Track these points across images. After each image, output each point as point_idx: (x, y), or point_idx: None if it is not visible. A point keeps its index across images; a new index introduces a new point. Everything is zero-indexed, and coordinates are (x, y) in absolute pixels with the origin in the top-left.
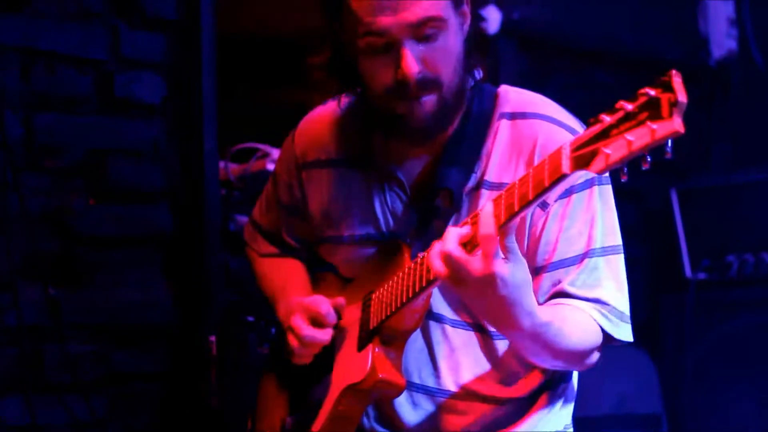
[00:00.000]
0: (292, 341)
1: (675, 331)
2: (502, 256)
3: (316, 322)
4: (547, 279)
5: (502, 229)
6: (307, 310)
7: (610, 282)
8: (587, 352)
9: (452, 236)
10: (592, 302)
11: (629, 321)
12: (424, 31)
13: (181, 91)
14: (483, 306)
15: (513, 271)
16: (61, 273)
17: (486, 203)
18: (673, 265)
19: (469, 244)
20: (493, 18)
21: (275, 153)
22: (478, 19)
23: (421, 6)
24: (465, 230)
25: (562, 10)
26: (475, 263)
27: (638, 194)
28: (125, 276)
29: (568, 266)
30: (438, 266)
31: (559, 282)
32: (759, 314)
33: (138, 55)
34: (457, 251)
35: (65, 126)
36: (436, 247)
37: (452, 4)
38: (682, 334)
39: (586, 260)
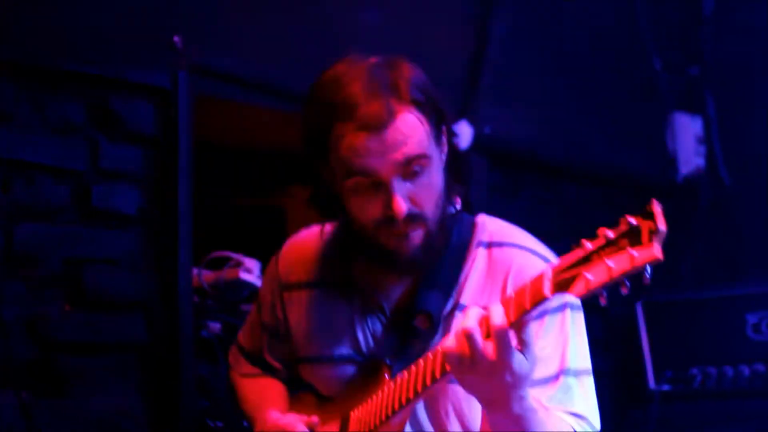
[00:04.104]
0: None
1: None
2: (516, 346)
3: None
4: None
5: (515, 323)
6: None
7: (583, 402)
8: None
9: (473, 316)
10: (569, 414)
11: None
12: (411, 169)
13: (157, 203)
14: (483, 389)
15: (522, 362)
16: (36, 380)
17: (495, 305)
18: (637, 378)
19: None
20: (464, 133)
21: (248, 262)
22: (455, 149)
23: (407, 146)
24: (483, 313)
25: (534, 126)
26: (490, 348)
27: (603, 307)
28: (99, 384)
29: (544, 385)
30: (452, 343)
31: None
32: (722, 428)
33: (116, 166)
34: (478, 332)
35: (44, 235)
36: (456, 328)
37: (434, 140)
38: None
39: (562, 378)
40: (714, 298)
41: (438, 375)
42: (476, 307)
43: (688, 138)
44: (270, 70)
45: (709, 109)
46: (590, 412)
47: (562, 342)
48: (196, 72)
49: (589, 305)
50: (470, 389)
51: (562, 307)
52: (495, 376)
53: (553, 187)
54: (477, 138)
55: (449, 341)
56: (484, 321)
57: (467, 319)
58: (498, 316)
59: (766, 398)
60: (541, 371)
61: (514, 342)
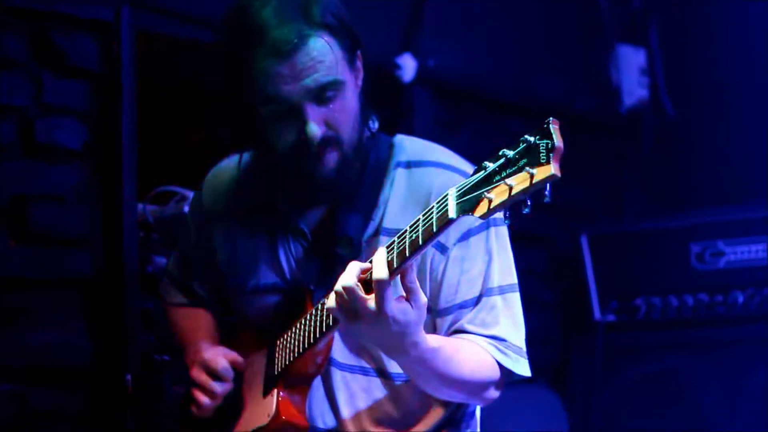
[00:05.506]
0: (194, 393)
1: (584, 372)
2: (401, 294)
3: (215, 376)
4: (448, 320)
5: (398, 271)
6: (206, 366)
7: (507, 319)
8: (483, 385)
9: (351, 271)
10: (489, 338)
11: (526, 356)
12: (324, 94)
13: (101, 138)
14: (372, 338)
15: (406, 310)
16: None
17: (380, 248)
18: (582, 307)
19: (366, 285)
20: (408, 66)
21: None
22: (369, 72)
23: (320, 73)
24: (365, 266)
25: (478, 59)
26: (369, 301)
27: (549, 238)
28: (44, 319)
29: (471, 306)
30: (333, 300)
31: (459, 320)
32: (666, 357)
33: (60, 101)
34: (357, 288)
35: None
36: (337, 284)
37: (348, 65)
38: (590, 375)
39: (484, 299)
40: (658, 228)
41: None
42: (356, 262)
43: (631, 70)
44: (212, 5)
45: (652, 41)
46: (512, 332)
47: (487, 261)
48: (139, 7)
49: (535, 238)
50: (361, 339)
51: (485, 226)
52: (380, 327)
53: (496, 121)
54: (420, 71)
55: (330, 299)
56: (367, 271)
57: (345, 276)
58: (379, 269)
59: (710, 327)
60: (468, 292)
61: (399, 290)
